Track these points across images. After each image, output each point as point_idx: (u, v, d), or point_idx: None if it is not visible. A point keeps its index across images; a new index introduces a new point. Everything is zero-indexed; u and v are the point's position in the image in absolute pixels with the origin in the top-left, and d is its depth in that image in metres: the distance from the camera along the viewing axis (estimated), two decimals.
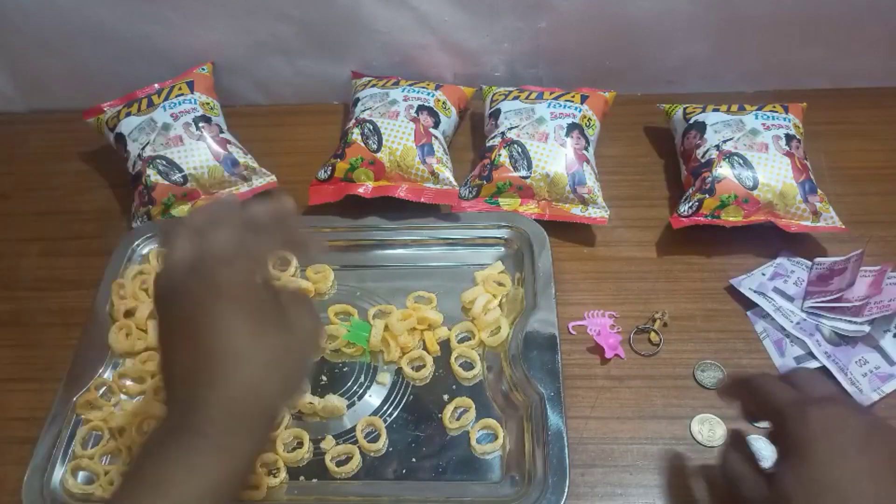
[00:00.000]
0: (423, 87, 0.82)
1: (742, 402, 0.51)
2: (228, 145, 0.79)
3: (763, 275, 0.70)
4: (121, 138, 0.79)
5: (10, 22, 0.83)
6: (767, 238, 0.72)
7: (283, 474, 0.59)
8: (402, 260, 0.74)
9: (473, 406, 0.62)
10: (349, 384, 0.65)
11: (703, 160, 0.73)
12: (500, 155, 0.76)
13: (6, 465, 0.61)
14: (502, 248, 0.73)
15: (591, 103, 0.79)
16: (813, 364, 0.62)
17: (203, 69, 0.86)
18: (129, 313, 0.68)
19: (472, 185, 0.77)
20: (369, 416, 0.62)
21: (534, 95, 0.79)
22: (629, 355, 0.66)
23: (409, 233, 0.74)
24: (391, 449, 0.61)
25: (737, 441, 0.51)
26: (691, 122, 0.77)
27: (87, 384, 0.63)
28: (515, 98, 0.79)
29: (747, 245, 0.72)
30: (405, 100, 0.79)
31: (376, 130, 0.77)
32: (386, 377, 0.65)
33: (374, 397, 0.64)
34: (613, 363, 0.65)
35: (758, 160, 0.71)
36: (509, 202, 0.76)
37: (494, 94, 0.82)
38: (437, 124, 0.79)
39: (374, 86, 0.82)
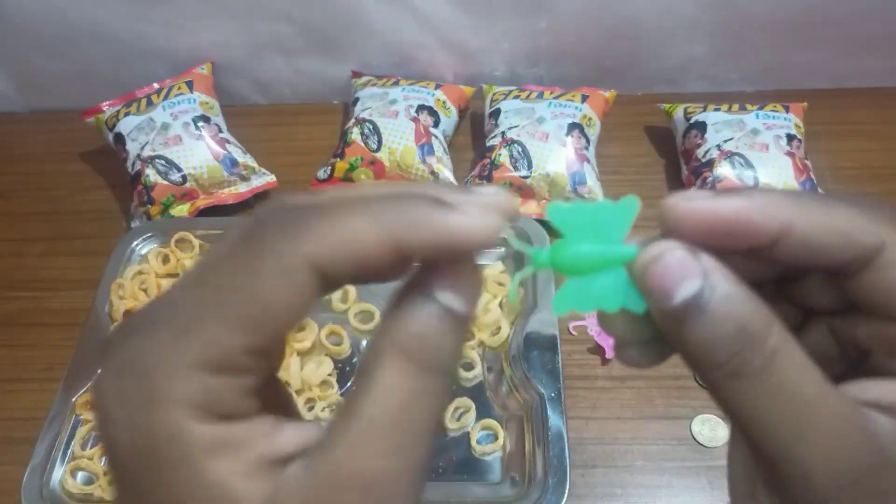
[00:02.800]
0: (423, 87, 0.81)
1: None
2: (228, 145, 0.79)
3: None
4: (120, 138, 0.79)
5: (10, 22, 0.83)
6: None
7: None
8: None
9: (473, 406, 0.62)
10: (349, 384, 0.65)
11: (703, 160, 0.73)
12: (500, 154, 0.75)
13: (6, 465, 0.61)
14: (502, 248, 0.73)
15: (592, 103, 0.78)
16: None
17: (202, 69, 0.86)
18: (128, 313, 0.68)
19: (472, 185, 0.77)
20: None
21: (534, 95, 0.79)
22: None
23: None
24: None
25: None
26: (692, 121, 0.77)
27: (87, 384, 0.63)
28: (515, 98, 0.79)
29: None
30: (405, 99, 0.79)
31: (376, 130, 0.77)
32: None
33: None
34: (614, 363, 0.65)
35: (759, 160, 0.71)
36: None
37: (494, 94, 0.82)
38: (437, 124, 0.79)
39: (374, 85, 0.82)
